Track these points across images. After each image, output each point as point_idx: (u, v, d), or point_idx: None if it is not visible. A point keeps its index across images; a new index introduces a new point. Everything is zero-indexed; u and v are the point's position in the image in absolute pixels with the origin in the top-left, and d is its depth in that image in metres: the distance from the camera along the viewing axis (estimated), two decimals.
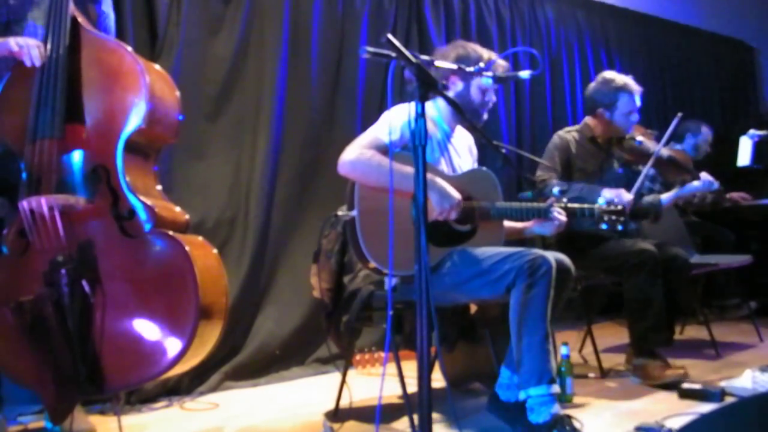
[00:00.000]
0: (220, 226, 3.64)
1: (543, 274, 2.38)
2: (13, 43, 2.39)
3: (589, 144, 3.53)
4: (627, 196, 3.17)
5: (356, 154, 2.51)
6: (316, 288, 2.88)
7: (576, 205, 2.78)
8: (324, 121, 4.08)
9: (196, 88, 3.60)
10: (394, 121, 2.50)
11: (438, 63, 2.34)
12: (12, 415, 2.71)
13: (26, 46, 2.39)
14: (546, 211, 2.69)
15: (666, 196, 3.56)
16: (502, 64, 2.75)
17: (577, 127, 3.62)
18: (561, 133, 3.59)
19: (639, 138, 3.55)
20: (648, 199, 3.53)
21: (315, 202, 3.96)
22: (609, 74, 3.57)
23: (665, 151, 3.52)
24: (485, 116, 2.82)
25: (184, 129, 3.28)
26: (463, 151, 2.87)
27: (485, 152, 3.40)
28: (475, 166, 2.91)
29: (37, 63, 2.39)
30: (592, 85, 3.59)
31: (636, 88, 3.50)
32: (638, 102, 3.50)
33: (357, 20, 4.23)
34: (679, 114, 3.49)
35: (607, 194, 3.14)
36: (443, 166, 2.72)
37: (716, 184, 3.62)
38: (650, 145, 3.54)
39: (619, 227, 2.76)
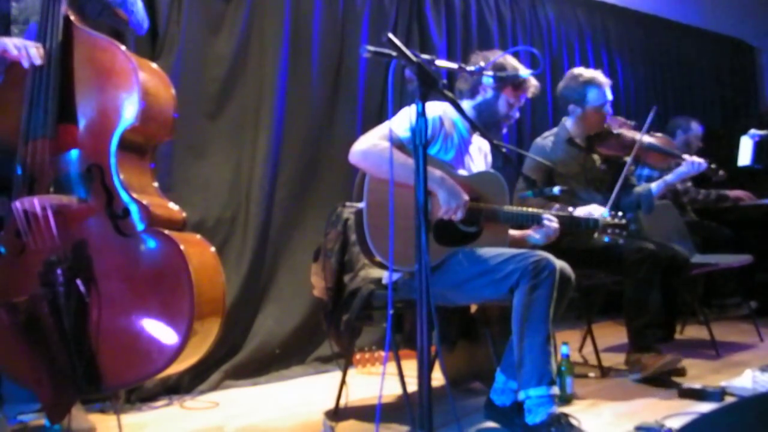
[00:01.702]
0: (220, 225, 3.64)
1: (547, 275, 2.37)
2: (12, 46, 2.37)
3: (568, 147, 3.47)
4: (598, 212, 2.90)
5: (369, 144, 2.49)
6: (316, 287, 2.88)
7: (581, 216, 2.77)
8: (324, 120, 4.08)
9: (197, 87, 3.60)
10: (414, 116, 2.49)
11: (438, 62, 2.34)
12: (12, 414, 2.71)
13: (24, 47, 2.37)
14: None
15: (656, 185, 3.48)
16: (534, 84, 2.79)
17: (554, 130, 3.58)
18: (538, 140, 3.57)
19: (617, 130, 3.50)
20: (638, 189, 3.50)
21: (315, 201, 3.96)
22: (576, 70, 3.52)
23: (645, 138, 3.45)
24: (504, 130, 2.85)
25: (184, 128, 3.29)
26: (476, 155, 2.86)
27: None
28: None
29: (37, 62, 2.37)
30: (561, 82, 3.55)
31: (604, 80, 3.44)
32: (609, 95, 3.44)
33: (358, 19, 4.23)
34: (654, 107, 3.43)
35: (578, 213, 2.90)
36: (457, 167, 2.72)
37: (704, 164, 3.48)
38: (629, 134, 3.48)
39: (620, 241, 2.76)
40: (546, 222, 2.67)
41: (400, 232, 2.12)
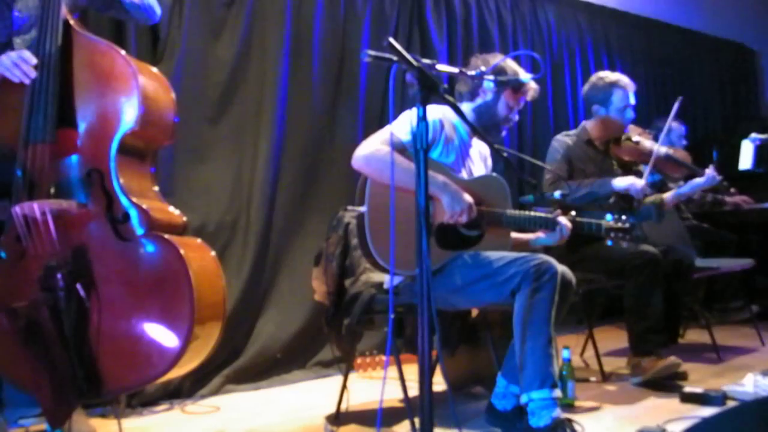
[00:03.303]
0: (221, 229, 3.64)
1: (548, 278, 2.37)
2: (4, 69, 2.37)
3: (587, 147, 3.53)
4: (640, 183, 3.31)
5: (372, 149, 2.49)
6: (317, 291, 2.88)
7: (583, 220, 2.77)
8: (325, 124, 4.08)
9: (198, 91, 3.60)
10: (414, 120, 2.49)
11: (439, 67, 2.34)
12: (13, 418, 2.71)
13: (11, 65, 2.36)
14: (553, 222, 2.68)
15: (669, 195, 3.55)
16: (533, 87, 2.80)
17: (574, 131, 3.63)
18: (558, 137, 3.61)
19: (636, 137, 3.55)
20: (651, 198, 3.52)
21: (316, 205, 3.96)
22: (602, 73, 3.63)
23: (663, 149, 3.52)
24: (504, 133, 2.86)
25: (185, 132, 3.29)
26: (477, 158, 2.86)
27: None
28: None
29: (26, 81, 2.37)
30: (586, 85, 3.63)
31: (629, 84, 3.52)
32: (632, 99, 3.52)
33: (358, 23, 4.24)
34: (680, 97, 3.50)
35: (619, 183, 3.30)
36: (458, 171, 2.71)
37: (719, 179, 3.59)
38: (648, 143, 3.53)
39: (624, 245, 2.76)
40: (560, 219, 2.67)
41: (401, 236, 2.12)
